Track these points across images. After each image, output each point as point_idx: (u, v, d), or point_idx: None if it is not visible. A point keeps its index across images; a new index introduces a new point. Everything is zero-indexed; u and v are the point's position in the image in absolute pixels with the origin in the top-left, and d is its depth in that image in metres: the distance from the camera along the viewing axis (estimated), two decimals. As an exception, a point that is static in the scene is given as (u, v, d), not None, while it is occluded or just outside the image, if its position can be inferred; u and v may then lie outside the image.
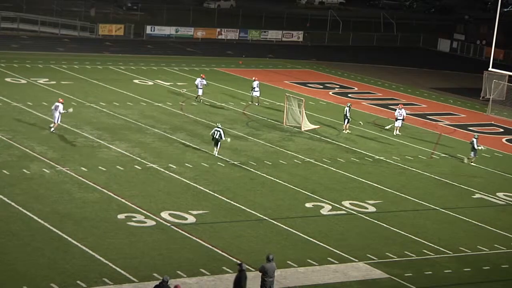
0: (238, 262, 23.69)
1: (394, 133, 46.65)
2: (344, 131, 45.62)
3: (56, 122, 40.59)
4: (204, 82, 51.46)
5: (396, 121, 47.00)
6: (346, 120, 45.95)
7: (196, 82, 51.48)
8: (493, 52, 56.66)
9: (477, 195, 36.64)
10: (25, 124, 41.86)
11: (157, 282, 22.34)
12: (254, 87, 51.51)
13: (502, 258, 29.21)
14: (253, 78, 52.26)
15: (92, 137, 40.79)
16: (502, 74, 57.29)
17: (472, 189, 37.36)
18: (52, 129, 40.41)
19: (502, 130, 51.17)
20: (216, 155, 38.84)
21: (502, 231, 31.93)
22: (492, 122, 53.10)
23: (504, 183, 38.93)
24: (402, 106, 48.19)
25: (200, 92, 51.39)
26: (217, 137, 38.71)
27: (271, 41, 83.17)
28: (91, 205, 31.07)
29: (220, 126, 39.19)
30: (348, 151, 42.49)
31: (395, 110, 48.32)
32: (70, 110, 41.55)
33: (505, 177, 40.14)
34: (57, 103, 40.85)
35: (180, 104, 50.44)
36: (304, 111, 46.66)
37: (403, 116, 47.14)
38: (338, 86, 61.84)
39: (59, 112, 40.52)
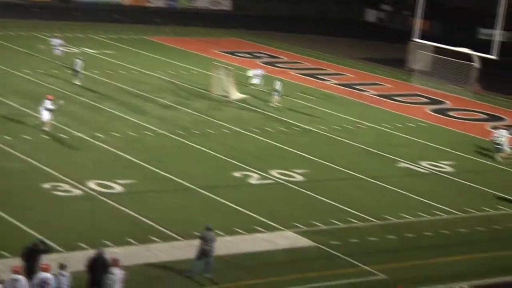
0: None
1: (274, 105, 45.14)
2: (273, 104, 45.43)
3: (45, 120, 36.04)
4: (259, 72, 49.36)
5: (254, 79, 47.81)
6: (277, 94, 45.62)
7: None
8: (419, 23, 57.47)
9: (401, 164, 37.29)
10: None
11: (85, 252, 22.17)
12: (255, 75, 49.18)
13: (425, 225, 29.87)
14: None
15: (16, 105, 40.01)
16: (427, 45, 58.16)
17: (396, 158, 38.01)
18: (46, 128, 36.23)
19: (426, 100, 52.07)
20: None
21: (425, 199, 32.61)
22: (417, 92, 53.99)
23: (427, 152, 39.71)
24: (259, 65, 49.19)
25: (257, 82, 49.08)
26: None
27: (200, 9, 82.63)
28: (15, 175, 30.56)
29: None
30: (277, 120, 42.70)
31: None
32: (61, 102, 37.86)
33: (429, 146, 40.95)
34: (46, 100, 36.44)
35: (107, 72, 49.81)
36: (232, 81, 46.63)
37: (261, 75, 48.22)
38: (266, 56, 61.92)
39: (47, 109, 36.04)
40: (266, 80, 49.27)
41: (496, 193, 34.28)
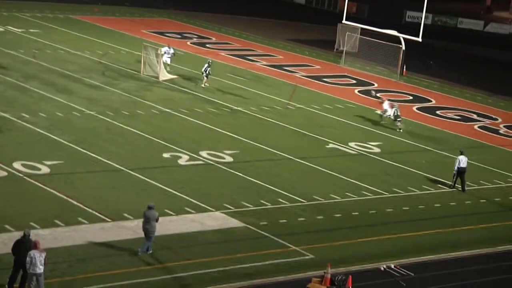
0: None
1: (203, 85, 44.94)
2: (202, 85, 45.22)
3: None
4: (171, 51, 47.93)
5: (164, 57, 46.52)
6: (206, 76, 45.27)
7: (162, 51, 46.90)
8: (347, 5, 57.96)
9: (330, 145, 37.64)
10: None
11: (10, 234, 21.78)
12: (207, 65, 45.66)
13: (353, 205, 30.26)
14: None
15: None
16: (355, 27, 58.71)
17: (325, 139, 38.33)
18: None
19: (354, 81, 52.61)
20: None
21: (354, 180, 33.01)
22: (346, 74, 54.50)
23: (356, 133, 40.17)
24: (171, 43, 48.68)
25: (168, 61, 47.53)
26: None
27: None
28: None
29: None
30: (206, 101, 42.58)
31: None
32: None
33: (357, 127, 41.42)
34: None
35: (33, 52, 48.86)
36: (161, 61, 46.26)
37: (171, 53, 47.43)
38: (196, 36, 61.62)
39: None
40: (193, 60, 49.01)
41: (421, 173, 34.92)
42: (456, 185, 33.38)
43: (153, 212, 23.93)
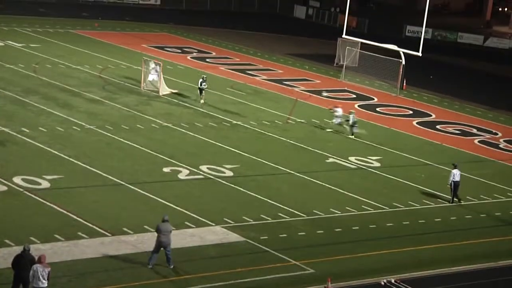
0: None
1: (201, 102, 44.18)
2: (202, 101, 44.54)
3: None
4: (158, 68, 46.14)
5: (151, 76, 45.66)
6: (200, 92, 44.68)
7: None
8: (347, 20, 58.09)
9: (330, 159, 37.63)
10: None
11: (10, 249, 21.74)
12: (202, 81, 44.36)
13: (353, 220, 30.21)
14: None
15: None
16: (355, 41, 58.84)
17: (325, 154, 38.33)
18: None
19: (354, 96, 52.65)
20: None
21: (354, 194, 32.99)
22: (345, 88, 54.55)
23: (356, 147, 40.16)
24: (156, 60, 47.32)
25: (155, 78, 45.98)
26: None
27: (128, 4, 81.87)
28: None
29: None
30: (206, 116, 42.61)
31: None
32: None
33: (357, 141, 41.43)
34: None
35: (33, 66, 48.95)
36: (161, 75, 46.33)
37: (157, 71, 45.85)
38: (196, 51, 61.75)
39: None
40: (193, 75, 49.07)
41: (421, 187, 34.89)
42: (455, 198, 33.39)
43: (168, 224, 24.06)
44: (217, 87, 48.47)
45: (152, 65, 46.79)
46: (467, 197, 33.89)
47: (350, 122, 42.02)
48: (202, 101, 44.29)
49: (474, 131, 46.92)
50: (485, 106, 53.96)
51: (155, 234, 24.04)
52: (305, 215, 30.00)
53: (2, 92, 42.07)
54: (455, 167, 33.33)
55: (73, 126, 37.58)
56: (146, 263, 23.96)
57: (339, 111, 42.76)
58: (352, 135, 41.67)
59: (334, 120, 42.63)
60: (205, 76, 45.40)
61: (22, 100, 41.10)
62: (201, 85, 44.35)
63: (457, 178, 33.07)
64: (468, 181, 33.77)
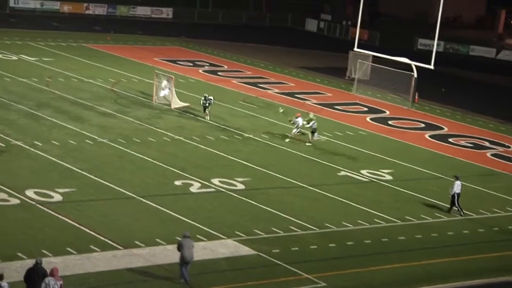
0: None
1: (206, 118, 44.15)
2: (205, 117, 44.46)
3: None
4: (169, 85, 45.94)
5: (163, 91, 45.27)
6: (205, 109, 44.15)
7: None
8: (358, 33, 58.12)
9: (342, 173, 37.59)
10: None
11: (23, 262, 21.79)
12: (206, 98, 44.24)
13: (365, 233, 30.14)
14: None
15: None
16: (367, 54, 58.84)
17: (337, 167, 38.29)
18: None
19: (366, 109, 52.61)
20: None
21: (365, 207, 32.93)
22: (357, 101, 54.52)
23: (367, 160, 40.11)
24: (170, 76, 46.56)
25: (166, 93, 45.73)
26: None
27: (140, 17, 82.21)
28: (-48, 184, 29.96)
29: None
30: (218, 129, 42.68)
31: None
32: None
33: (368, 154, 41.37)
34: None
35: (46, 80, 49.19)
36: (173, 89, 46.44)
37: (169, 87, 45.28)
38: (208, 64, 61.89)
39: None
40: (205, 88, 49.13)
41: (434, 201, 34.79)
42: (452, 208, 33.29)
43: (190, 240, 24.05)
44: (229, 100, 48.52)
45: (164, 82, 46.61)
46: (480, 210, 33.76)
47: (311, 127, 41.38)
48: (207, 117, 44.14)
49: (487, 144, 46.78)
50: (498, 119, 53.79)
51: (167, 247, 24.07)
52: (317, 229, 29.95)
53: (15, 105, 42.28)
54: (457, 179, 33.31)
55: (85, 140, 37.71)
56: (158, 276, 23.90)
57: (299, 121, 41.98)
58: (310, 143, 41.28)
59: (294, 131, 41.88)
60: (207, 95, 44.64)
61: (35, 113, 41.29)
62: (206, 100, 43.93)
63: (460, 190, 33.08)
64: (481, 195, 33.65)
